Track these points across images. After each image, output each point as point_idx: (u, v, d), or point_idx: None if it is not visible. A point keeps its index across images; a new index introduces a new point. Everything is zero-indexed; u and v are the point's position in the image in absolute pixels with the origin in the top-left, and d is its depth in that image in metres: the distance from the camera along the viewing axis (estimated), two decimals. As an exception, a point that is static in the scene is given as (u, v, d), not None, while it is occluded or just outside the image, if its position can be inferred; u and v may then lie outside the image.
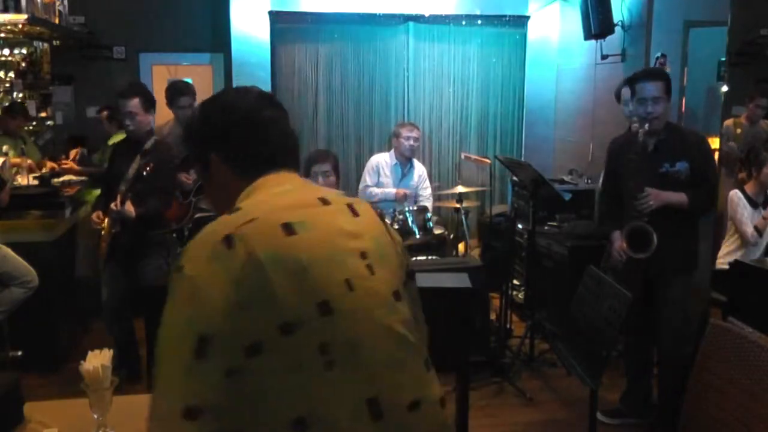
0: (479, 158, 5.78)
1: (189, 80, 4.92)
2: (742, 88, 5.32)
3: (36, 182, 4.80)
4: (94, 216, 3.78)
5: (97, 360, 1.77)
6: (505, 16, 6.24)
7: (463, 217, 5.30)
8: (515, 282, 5.17)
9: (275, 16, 5.92)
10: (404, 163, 5.37)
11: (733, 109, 5.45)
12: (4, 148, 5.07)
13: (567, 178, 5.54)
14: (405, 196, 5.01)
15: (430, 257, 4.63)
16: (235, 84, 5.89)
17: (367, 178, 5.35)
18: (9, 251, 3.76)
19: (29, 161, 5.09)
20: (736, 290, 3.62)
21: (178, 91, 4.63)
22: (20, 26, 4.91)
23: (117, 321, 3.79)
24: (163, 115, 4.88)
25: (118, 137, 4.90)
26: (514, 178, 5.35)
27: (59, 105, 6.25)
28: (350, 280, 1.22)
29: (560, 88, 6.31)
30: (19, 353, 3.94)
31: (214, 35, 6.26)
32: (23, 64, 6.07)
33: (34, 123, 5.99)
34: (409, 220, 4.81)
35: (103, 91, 5.92)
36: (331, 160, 3.94)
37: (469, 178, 5.90)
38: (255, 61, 5.92)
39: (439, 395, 1.32)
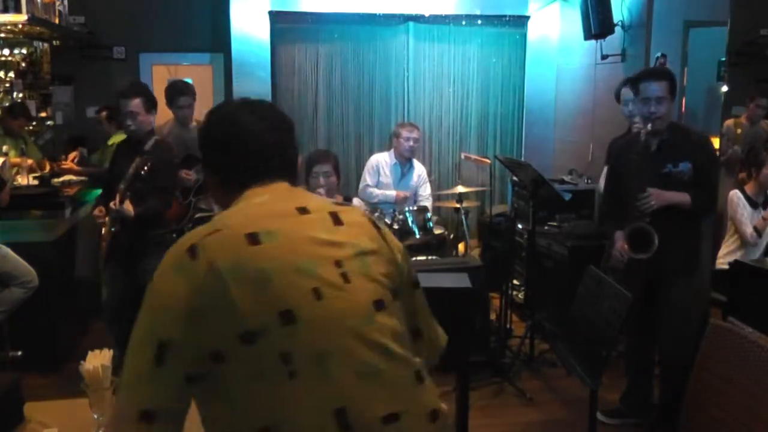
0: (479, 158, 5.78)
1: (189, 80, 4.92)
2: (742, 88, 5.32)
3: (36, 182, 4.80)
4: (96, 211, 3.78)
5: (97, 360, 1.77)
6: (505, 16, 6.24)
7: (463, 217, 5.30)
8: (515, 282, 5.17)
9: (275, 16, 5.92)
10: (404, 163, 5.37)
11: (733, 109, 5.45)
12: (5, 148, 5.07)
13: (567, 178, 5.54)
14: (405, 199, 5.01)
15: (430, 257, 4.63)
16: (234, 84, 5.91)
17: (367, 178, 5.35)
18: (9, 251, 3.76)
19: (29, 161, 5.09)
20: (736, 290, 3.62)
21: (177, 90, 4.63)
22: (20, 26, 4.91)
23: (117, 321, 3.79)
24: (164, 116, 4.88)
25: (118, 137, 4.90)
26: (514, 178, 5.35)
27: (59, 105, 6.25)
28: (319, 289, 1.21)
29: (560, 88, 6.31)
30: (19, 353, 3.94)
31: (214, 35, 6.26)
32: (23, 64, 6.07)
33: (34, 123, 5.99)
34: (409, 220, 4.80)
35: (103, 91, 5.92)
36: (332, 161, 3.95)
37: (469, 178, 5.90)
38: (255, 61, 5.92)
39: (429, 408, 1.28)
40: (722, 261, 4.15)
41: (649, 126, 3.22)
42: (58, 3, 5.50)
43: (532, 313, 4.42)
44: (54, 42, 6.07)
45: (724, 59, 5.28)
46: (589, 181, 5.30)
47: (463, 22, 6.20)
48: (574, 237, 4.66)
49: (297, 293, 1.19)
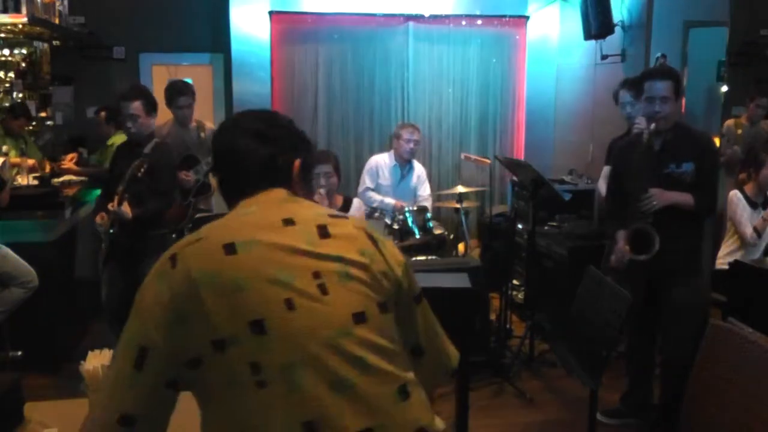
0: (479, 158, 5.78)
1: (189, 80, 4.92)
2: (742, 88, 5.33)
3: (36, 182, 4.80)
4: (97, 218, 3.79)
5: (97, 360, 1.78)
6: (504, 16, 6.24)
7: (462, 217, 5.30)
8: (515, 282, 5.17)
9: (275, 16, 5.92)
10: (403, 164, 5.37)
11: (733, 109, 5.45)
12: (5, 148, 5.07)
13: (567, 178, 5.55)
14: (403, 208, 5.00)
15: (430, 257, 4.63)
16: (234, 84, 5.91)
17: (367, 180, 5.34)
18: (9, 251, 3.76)
19: (30, 161, 5.08)
20: (736, 290, 3.62)
21: (177, 90, 4.63)
22: (20, 26, 4.91)
23: (117, 322, 3.79)
24: (163, 116, 4.88)
25: (118, 138, 4.90)
26: (514, 178, 5.36)
27: (59, 105, 6.25)
28: (291, 300, 1.20)
29: (560, 89, 6.31)
30: (19, 353, 3.94)
31: (214, 35, 6.25)
32: (23, 64, 6.06)
33: (34, 123, 5.99)
34: (409, 220, 4.81)
35: (103, 91, 5.92)
36: (332, 161, 3.95)
37: (469, 179, 5.90)
38: (255, 61, 5.92)
39: (414, 426, 1.26)
40: (722, 261, 4.15)
41: (653, 126, 3.20)
42: (58, 3, 5.50)
43: (532, 313, 4.41)
44: (54, 42, 6.07)
45: (724, 59, 5.28)
46: (589, 181, 5.30)
47: (463, 23, 6.20)
48: (574, 237, 4.67)
49: (268, 303, 1.20)
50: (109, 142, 5.27)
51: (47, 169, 5.21)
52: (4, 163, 4.13)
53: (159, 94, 4.75)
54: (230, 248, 1.23)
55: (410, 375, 1.29)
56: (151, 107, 3.73)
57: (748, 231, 4.08)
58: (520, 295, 5.14)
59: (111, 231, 3.66)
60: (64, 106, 6.27)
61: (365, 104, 6.18)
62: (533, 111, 6.42)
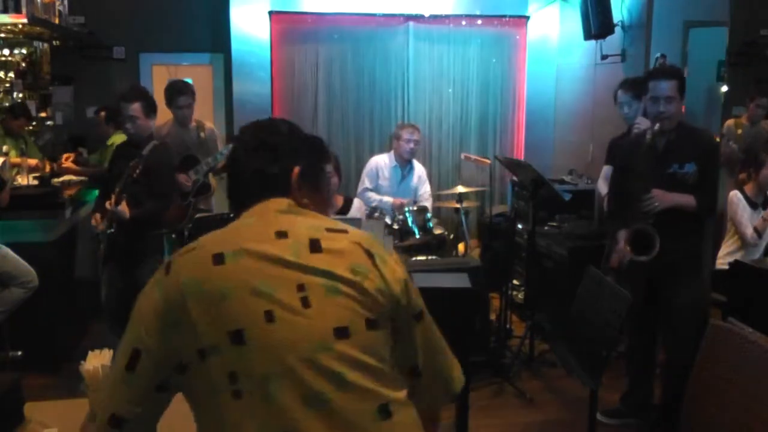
0: (479, 158, 5.78)
1: (189, 80, 4.92)
2: (742, 88, 5.32)
3: (36, 182, 4.80)
4: (92, 220, 3.80)
5: (97, 360, 1.78)
6: (504, 16, 6.24)
7: (462, 217, 5.30)
8: (515, 282, 5.17)
9: (275, 16, 5.92)
10: (403, 165, 5.36)
11: (733, 109, 5.45)
12: (5, 148, 5.07)
13: (567, 178, 5.55)
14: (402, 205, 5.00)
15: (430, 257, 4.63)
16: (234, 84, 5.91)
17: (366, 181, 5.34)
18: (9, 251, 3.76)
19: (31, 161, 5.08)
20: (736, 290, 3.62)
21: (176, 90, 4.63)
22: (20, 26, 4.91)
23: (118, 322, 3.79)
24: (163, 116, 4.88)
25: (118, 137, 4.90)
26: (514, 178, 5.36)
27: (59, 105, 6.24)
28: (272, 312, 1.21)
29: (560, 89, 6.31)
30: (19, 353, 3.94)
31: (214, 35, 6.25)
32: (23, 64, 6.06)
33: (34, 123, 5.99)
34: (409, 220, 4.81)
35: (103, 91, 5.92)
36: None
37: (469, 179, 5.90)
38: (255, 61, 5.92)
39: None
40: (722, 261, 4.15)
41: (657, 126, 3.19)
42: (58, 3, 5.50)
43: (532, 313, 4.41)
44: (54, 42, 6.06)
45: (724, 59, 5.28)
46: (589, 181, 5.30)
47: (463, 23, 6.20)
48: (573, 237, 4.67)
49: (249, 314, 1.21)
50: (109, 142, 5.27)
51: (47, 169, 5.21)
52: (4, 163, 4.13)
53: (159, 94, 4.75)
54: (219, 258, 1.25)
55: (398, 394, 1.27)
56: (150, 109, 3.74)
57: (749, 231, 4.08)
58: (520, 295, 5.14)
59: (109, 231, 3.66)
60: (64, 106, 6.27)
61: (365, 104, 6.18)
62: (533, 111, 6.42)
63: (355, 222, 4.03)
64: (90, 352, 1.81)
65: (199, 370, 1.20)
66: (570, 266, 4.36)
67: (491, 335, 4.28)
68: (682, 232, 3.25)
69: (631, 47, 5.33)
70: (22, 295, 3.75)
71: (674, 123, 3.23)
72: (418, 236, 4.77)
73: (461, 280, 3.06)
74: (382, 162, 5.38)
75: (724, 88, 5.42)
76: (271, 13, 5.90)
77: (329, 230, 1.32)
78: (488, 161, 5.67)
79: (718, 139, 4.87)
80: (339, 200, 4.04)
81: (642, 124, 3.73)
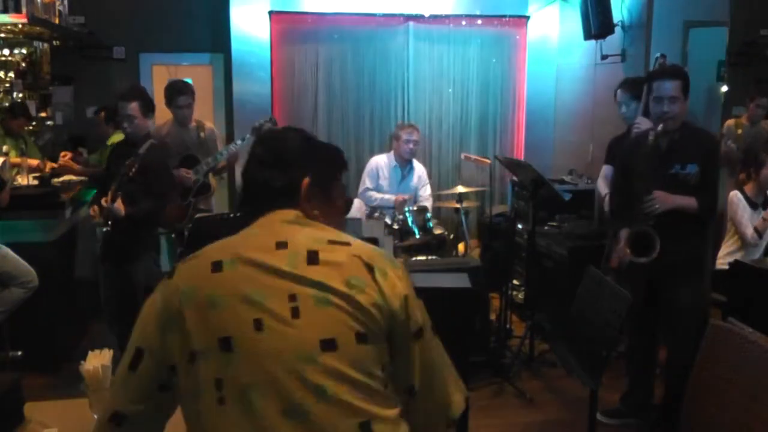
0: (479, 158, 5.78)
1: (189, 80, 4.92)
2: (742, 88, 5.32)
3: (36, 182, 4.80)
4: (90, 210, 3.82)
5: (97, 360, 1.78)
6: (504, 16, 6.24)
7: (462, 217, 5.30)
8: (515, 282, 5.17)
9: (275, 16, 5.92)
10: (404, 165, 5.37)
11: (733, 109, 5.45)
12: (5, 148, 5.07)
13: (567, 178, 5.55)
14: (404, 202, 5.00)
15: (430, 257, 4.64)
16: (234, 84, 5.91)
17: (367, 181, 5.34)
18: (9, 251, 3.76)
19: (31, 161, 5.08)
20: (736, 290, 3.62)
21: (176, 90, 4.63)
22: (20, 26, 4.91)
23: (117, 321, 3.79)
24: (163, 116, 4.88)
25: (117, 137, 4.90)
26: (514, 178, 5.36)
27: (59, 105, 6.24)
28: (261, 321, 1.21)
29: (560, 88, 6.31)
30: (19, 353, 3.94)
31: (214, 35, 6.25)
32: (23, 64, 6.06)
33: (34, 123, 5.98)
34: (409, 220, 4.81)
35: (103, 91, 5.91)
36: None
37: (469, 179, 5.90)
38: (255, 61, 5.92)
39: None
40: (722, 261, 4.16)
41: (660, 127, 3.17)
42: (58, 3, 5.50)
43: (532, 313, 4.41)
44: (54, 42, 6.06)
45: (724, 59, 5.28)
46: (589, 181, 5.30)
47: (463, 23, 6.19)
48: (573, 237, 4.67)
49: (239, 322, 1.22)
50: (109, 142, 5.27)
51: (47, 169, 5.21)
52: (4, 163, 4.13)
53: (159, 94, 4.76)
54: (217, 266, 1.27)
55: (386, 412, 1.24)
56: (147, 109, 3.76)
57: (749, 231, 4.08)
58: (520, 295, 5.14)
59: (105, 230, 3.67)
60: (64, 106, 6.26)
61: (365, 104, 6.18)
62: (533, 111, 6.42)
63: (355, 222, 4.03)
64: (90, 352, 1.81)
65: (189, 374, 1.22)
66: (570, 266, 4.36)
67: (491, 335, 4.28)
68: (684, 234, 3.24)
69: (631, 47, 5.33)
70: (22, 295, 3.75)
71: (678, 123, 3.21)
72: (418, 236, 4.78)
73: (461, 280, 3.06)
74: (382, 162, 5.38)
75: (724, 88, 5.43)
76: (271, 13, 5.90)
77: (331, 242, 1.30)
78: (488, 161, 5.67)
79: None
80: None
81: (642, 124, 3.73)
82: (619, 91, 4.18)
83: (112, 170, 3.79)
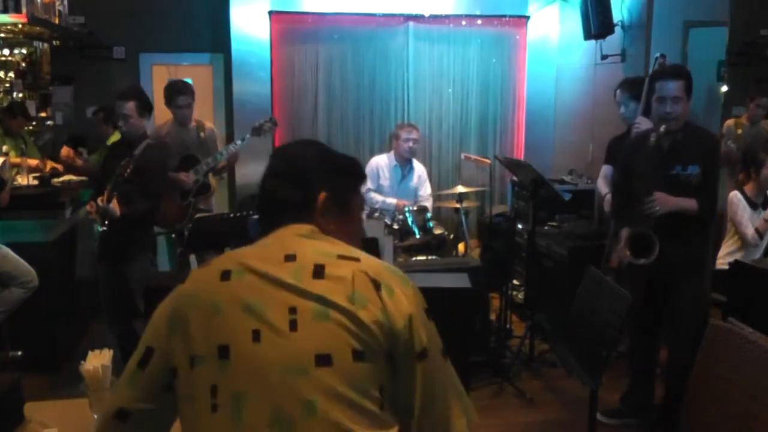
0: (479, 158, 5.78)
1: (189, 80, 4.92)
2: (742, 88, 5.32)
3: (36, 182, 4.80)
4: (88, 206, 3.83)
5: (97, 360, 1.78)
6: (504, 16, 6.24)
7: (462, 217, 5.30)
8: (515, 282, 5.17)
9: (275, 16, 5.92)
10: (404, 164, 5.37)
11: (733, 109, 5.45)
12: (5, 148, 5.07)
13: (567, 178, 5.55)
14: (404, 207, 5.00)
15: (430, 257, 4.64)
16: (234, 84, 5.91)
17: (367, 182, 5.34)
18: (9, 251, 3.76)
19: (30, 161, 5.08)
20: (736, 290, 3.62)
21: (176, 90, 4.63)
22: (20, 26, 4.91)
23: (116, 321, 3.79)
24: (163, 116, 4.88)
25: (116, 137, 4.90)
26: (514, 178, 5.36)
27: (59, 105, 6.24)
28: (259, 331, 1.21)
29: (560, 88, 6.31)
30: (19, 353, 3.94)
31: (214, 35, 6.25)
32: (23, 64, 6.06)
33: (34, 123, 5.99)
34: (409, 220, 4.81)
35: (103, 91, 5.91)
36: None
37: (469, 179, 5.90)
38: (255, 61, 5.92)
39: None
40: (722, 261, 4.15)
41: (662, 128, 3.16)
42: (58, 3, 5.50)
43: (532, 313, 4.42)
44: (54, 42, 6.06)
45: (724, 59, 5.28)
46: (589, 181, 5.30)
47: (463, 23, 6.20)
48: (574, 237, 4.67)
49: (238, 331, 1.22)
50: (109, 142, 5.27)
51: (47, 168, 5.21)
52: (4, 163, 4.13)
53: (159, 94, 4.76)
54: (226, 274, 1.28)
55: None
56: (144, 109, 3.78)
57: (750, 232, 4.08)
58: (520, 295, 5.14)
59: (101, 229, 3.68)
60: (64, 106, 6.27)
61: (365, 104, 6.18)
62: (533, 111, 6.42)
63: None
64: (90, 352, 1.81)
65: (188, 378, 1.24)
66: (570, 266, 4.36)
67: (491, 335, 4.28)
68: (685, 234, 3.23)
69: (631, 47, 5.33)
70: (22, 295, 3.75)
71: (681, 124, 3.20)
72: (418, 236, 4.78)
73: (461, 280, 3.06)
74: (382, 162, 5.38)
75: (724, 88, 5.43)
76: (271, 13, 5.90)
77: (340, 257, 1.29)
78: (488, 161, 5.67)
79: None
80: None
81: (642, 124, 3.73)
82: (618, 91, 4.17)
83: (108, 169, 3.80)
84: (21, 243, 3.88)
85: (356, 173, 1.47)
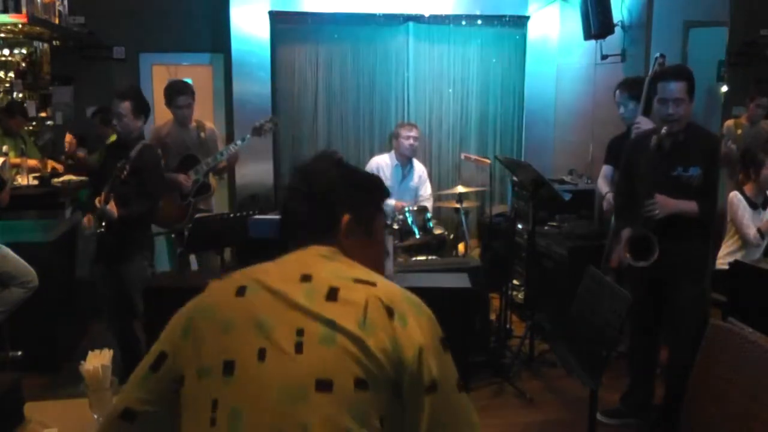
0: (479, 158, 5.78)
1: (189, 80, 4.92)
2: (742, 88, 5.33)
3: (36, 182, 4.80)
4: (84, 220, 3.83)
5: (97, 360, 1.78)
6: (504, 16, 6.24)
7: (462, 217, 5.30)
8: (515, 282, 5.17)
9: (275, 16, 5.92)
10: (404, 163, 5.37)
11: (733, 109, 5.46)
12: (5, 148, 5.07)
13: (567, 178, 5.55)
14: (403, 208, 5.00)
15: (430, 257, 4.64)
16: (234, 84, 5.91)
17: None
18: (9, 251, 3.76)
19: (30, 161, 5.09)
20: (736, 290, 3.62)
21: (176, 90, 4.63)
22: (20, 26, 4.92)
23: (117, 321, 3.79)
24: (163, 116, 4.88)
25: (115, 137, 4.91)
26: (514, 178, 5.36)
27: (59, 105, 6.25)
28: (265, 351, 1.19)
29: (560, 88, 6.31)
30: (19, 353, 3.94)
31: (214, 35, 6.25)
32: (23, 64, 6.06)
33: (34, 123, 5.99)
34: (409, 220, 4.81)
35: (103, 91, 5.91)
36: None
37: (469, 179, 5.90)
38: (255, 61, 5.92)
39: None
40: (722, 261, 4.15)
41: (664, 130, 3.14)
42: (58, 3, 5.50)
43: (532, 313, 4.42)
44: (54, 42, 6.07)
45: (724, 59, 5.28)
46: (589, 181, 5.31)
47: (463, 23, 6.19)
48: (574, 237, 4.67)
49: (245, 348, 1.21)
50: (108, 143, 5.28)
51: (47, 168, 5.22)
52: (4, 163, 4.14)
53: (159, 94, 4.76)
54: (241, 290, 1.27)
55: None
56: (139, 110, 3.78)
57: (751, 232, 4.07)
58: (520, 295, 5.14)
59: (99, 231, 3.68)
60: (64, 106, 6.27)
61: (365, 104, 6.18)
62: (533, 111, 6.42)
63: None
64: (90, 352, 1.81)
65: (193, 388, 1.23)
66: (570, 266, 4.36)
67: (491, 335, 4.28)
68: (685, 235, 3.23)
69: (631, 47, 5.34)
70: (22, 295, 3.75)
71: (683, 125, 3.19)
72: (418, 236, 4.78)
73: (461, 280, 3.06)
74: (383, 162, 5.38)
75: (724, 88, 5.43)
76: (271, 13, 5.90)
77: (357, 280, 1.26)
78: (488, 161, 5.66)
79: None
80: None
81: (642, 124, 3.73)
82: (617, 91, 4.17)
83: (105, 170, 3.80)
84: (21, 243, 3.88)
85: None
